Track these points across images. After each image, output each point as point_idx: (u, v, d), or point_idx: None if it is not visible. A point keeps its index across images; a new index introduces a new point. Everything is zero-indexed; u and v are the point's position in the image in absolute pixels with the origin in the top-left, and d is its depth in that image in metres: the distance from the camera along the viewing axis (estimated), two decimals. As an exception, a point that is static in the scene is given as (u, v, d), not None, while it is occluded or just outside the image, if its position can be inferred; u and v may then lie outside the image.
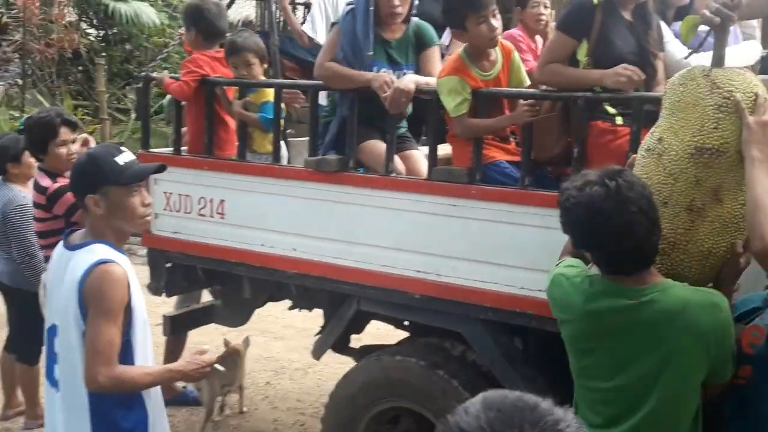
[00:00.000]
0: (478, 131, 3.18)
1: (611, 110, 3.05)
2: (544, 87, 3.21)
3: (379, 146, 3.48)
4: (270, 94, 3.74)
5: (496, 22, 3.13)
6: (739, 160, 2.19)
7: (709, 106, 2.21)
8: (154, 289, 4.24)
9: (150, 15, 14.32)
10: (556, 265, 2.42)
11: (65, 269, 2.41)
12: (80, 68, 14.05)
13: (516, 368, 3.18)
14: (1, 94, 13.27)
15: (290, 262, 3.59)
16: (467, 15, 3.13)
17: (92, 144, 4.06)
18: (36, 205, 4.01)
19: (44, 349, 2.59)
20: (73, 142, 3.99)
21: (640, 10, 3.15)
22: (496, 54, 3.27)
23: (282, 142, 3.87)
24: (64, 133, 3.94)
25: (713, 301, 2.09)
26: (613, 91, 2.92)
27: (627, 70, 2.86)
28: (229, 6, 5.57)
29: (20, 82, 13.11)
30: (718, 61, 2.29)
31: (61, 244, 2.53)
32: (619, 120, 3.03)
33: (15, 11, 13.20)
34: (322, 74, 3.57)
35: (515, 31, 4.16)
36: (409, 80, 3.36)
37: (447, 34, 3.82)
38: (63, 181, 3.85)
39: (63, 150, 3.93)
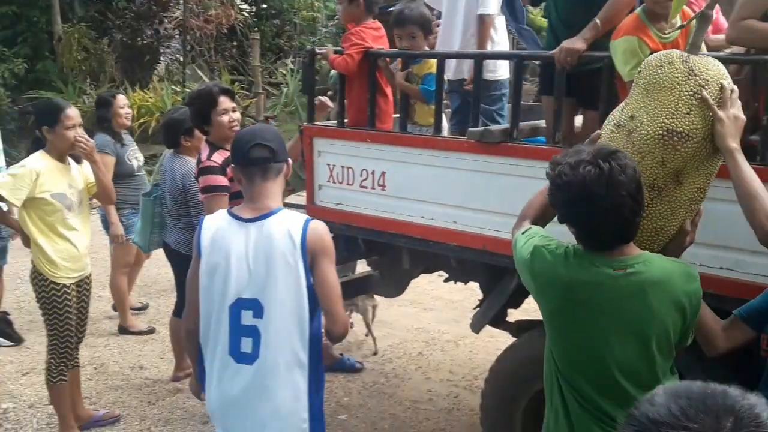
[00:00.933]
0: None
1: None
2: (733, 48, 2.99)
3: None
4: (433, 65, 3.70)
5: None
6: (703, 147, 2.28)
7: (684, 92, 2.27)
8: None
9: (299, -11, 14.65)
10: (522, 233, 2.40)
11: (259, 239, 2.49)
12: (235, 44, 14.61)
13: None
14: (163, 70, 14.03)
15: (451, 234, 3.56)
16: None
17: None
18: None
19: (217, 326, 2.55)
20: (233, 111, 4.05)
21: None
22: (677, 19, 3.07)
23: (443, 114, 3.83)
24: (224, 101, 3.98)
25: (690, 272, 2.19)
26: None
27: None
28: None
29: (180, 58, 13.79)
30: (695, 48, 2.36)
31: (226, 219, 2.56)
32: None
33: (175, -11, 13.86)
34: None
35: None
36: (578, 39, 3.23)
37: None
38: (220, 157, 3.88)
39: (225, 118, 3.97)
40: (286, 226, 2.48)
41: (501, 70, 4.28)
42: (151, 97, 11.77)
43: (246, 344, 2.49)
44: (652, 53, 2.97)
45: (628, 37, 3.00)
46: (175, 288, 4.77)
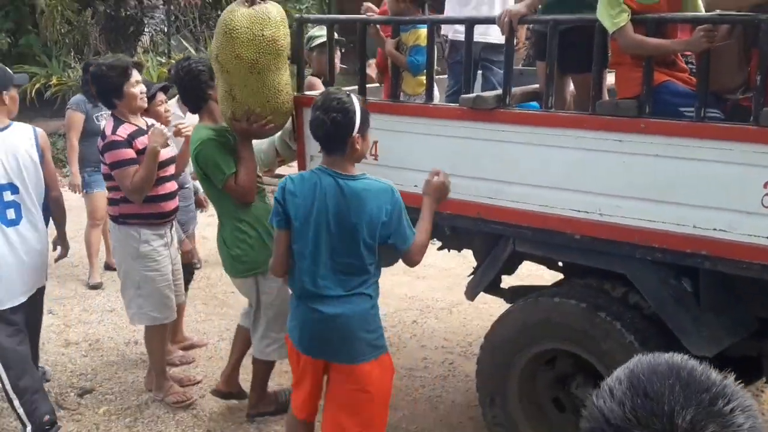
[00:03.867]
0: (645, 48, 2.99)
1: None
2: (718, 11, 2.96)
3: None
4: (420, 35, 3.66)
5: None
6: (224, 71, 3.68)
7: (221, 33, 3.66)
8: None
9: (285, -43, 14.44)
10: None
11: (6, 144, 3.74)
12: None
13: (686, 311, 3.04)
14: (148, 42, 13.85)
15: (444, 203, 3.55)
16: None
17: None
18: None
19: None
20: (138, 83, 4.15)
21: None
22: None
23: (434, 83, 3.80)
24: (135, 74, 4.13)
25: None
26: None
27: None
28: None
29: (165, 29, 13.61)
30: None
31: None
32: None
33: (158, -41, 13.63)
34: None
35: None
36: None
37: None
38: (124, 131, 4.04)
39: (137, 90, 4.11)
40: (23, 133, 3.80)
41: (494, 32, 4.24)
42: (136, 70, 11.63)
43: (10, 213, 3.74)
44: (640, 16, 2.97)
45: None
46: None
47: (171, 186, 4.25)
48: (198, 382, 4.60)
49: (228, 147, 3.80)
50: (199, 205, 5.72)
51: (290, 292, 3.29)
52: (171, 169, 4.25)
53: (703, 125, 2.86)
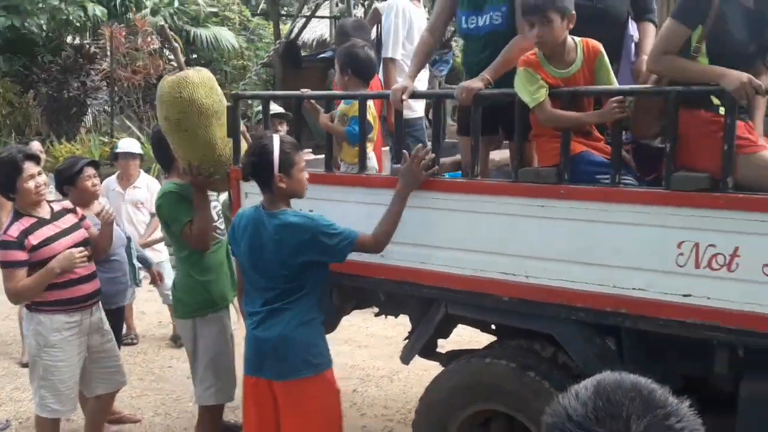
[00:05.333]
0: (562, 121, 3.16)
1: (716, 101, 2.99)
2: (652, 77, 3.18)
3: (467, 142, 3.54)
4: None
5: None
6: (165, 132, 4.06)
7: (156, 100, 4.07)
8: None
9: (229, 39, 14.78)
10: None
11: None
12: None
13: (610, 369, 3.14)
14: (91, 122, 13.88)
15: (378, 268, 3.64)
16: None
17: None
18: None
19: None
20: (39, 174, 4.01)
21: None
22: (576, 53, 3.26)
23: (372, 152, 3.96)
24: (29, 167, 3.96)
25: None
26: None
27: (751, 84, 2.74)
28: (303, 27, 5.71)
29: (108, 109, 13.68)
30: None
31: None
32: (722, 110, 2.95)
33: (102, 41, 13.81)
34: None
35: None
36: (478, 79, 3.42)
37: (634, 29, 3.73)
38: (17, 229, 3.90)
39: (31, 184, 3.95)
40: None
41: (417, 106, 4.46)
42: (78, 149, 11.63)
43: None
44: (554, 90, 3.17)
45: (521, 69, 3.20)
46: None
47: (86, 269, 4.11)
48: (132, 459, 4.50)
49: (188, 200, 4.07)
50: (153, 279, 5.62)
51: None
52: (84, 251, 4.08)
53: (618, 190, 3.03)
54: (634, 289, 2.97)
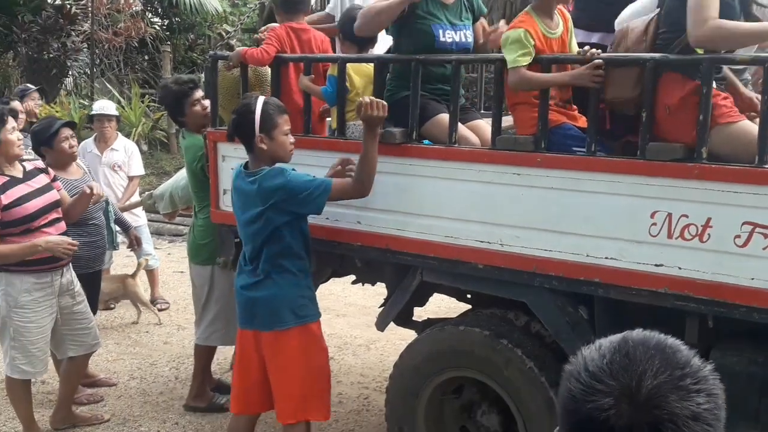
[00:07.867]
0: (534, 84, 3.14)
1: None
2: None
3: (446, 119, 3.48)
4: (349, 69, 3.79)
5: None
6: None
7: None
8: (223, 263, 4.37)
9: (213, 3, 14.56)
10: None
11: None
12: (146, 57, 14.39)
13: (582, 338, 3.16)
14: (71, 84, 13.70)
15: (354, 235, 3.63)
16: None
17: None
18: None
19: None
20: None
21: None
22: (557, 17, 3.26)
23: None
24: (11, 121, 4.01)
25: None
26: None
27: None
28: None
29: (89, 71, 13.50)
30: None
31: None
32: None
33: (83, 2, 13.58)
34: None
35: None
36: None
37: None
38: None
39: (14, 136, 3.97)
40: None
41: None
42: (58, 111, 11.48)
43: None
44: (536, 46, 3.15)
45: (516, 29, 3.18)
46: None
47: (56, 230, 4.07)
48: (106, 421, 4.49)
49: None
50: (131, 243, 5.54)
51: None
52: (55, 214, 4.07)
53: (594, 159, 3.02)
54: (606, 258, 2.98)
